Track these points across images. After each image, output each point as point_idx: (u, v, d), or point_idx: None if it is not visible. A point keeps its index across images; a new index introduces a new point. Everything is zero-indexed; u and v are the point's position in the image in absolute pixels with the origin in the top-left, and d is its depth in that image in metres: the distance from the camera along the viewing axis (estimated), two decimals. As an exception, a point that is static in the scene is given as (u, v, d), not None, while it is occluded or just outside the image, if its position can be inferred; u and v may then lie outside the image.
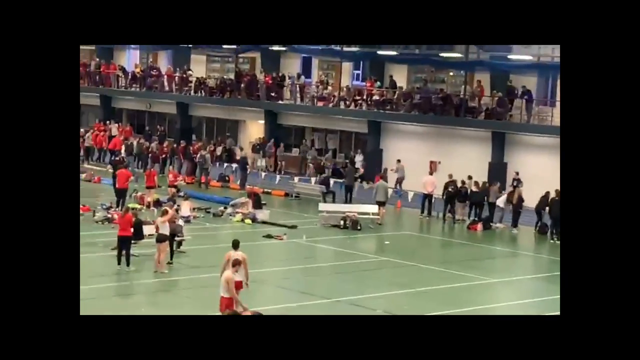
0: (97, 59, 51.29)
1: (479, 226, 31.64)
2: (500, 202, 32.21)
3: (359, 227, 30.16)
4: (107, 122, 48.01)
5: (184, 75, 47.18)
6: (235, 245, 17.84)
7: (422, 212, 33.96)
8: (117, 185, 31.32)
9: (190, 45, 46.65)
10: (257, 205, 31.62)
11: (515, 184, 33.28)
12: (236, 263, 16.52)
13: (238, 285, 16.81)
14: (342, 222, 30.28)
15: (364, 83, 42.63)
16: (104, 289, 20.50)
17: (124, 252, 21.96)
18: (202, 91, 46.71)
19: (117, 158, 39.01)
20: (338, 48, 41.25)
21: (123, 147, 43.24)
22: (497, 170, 36.13)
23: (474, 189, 32.76)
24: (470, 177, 33.20)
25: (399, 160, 38.13)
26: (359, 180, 38.28)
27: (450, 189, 32.89)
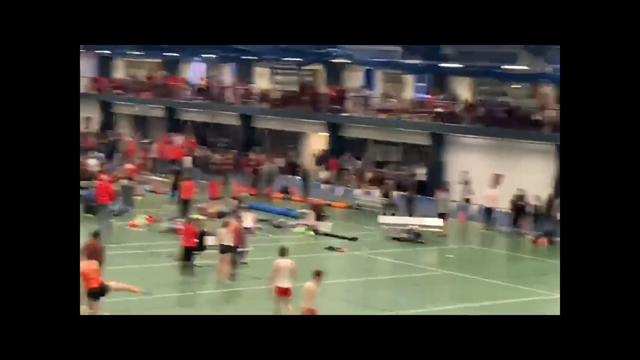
0: (163, 71, 52.03)
1: (544, 240, 31.23)
2: (565, 216, 31.75)
3: (420, 240, 30.00)
4: (172, 133, 48.62)
5: (248, 88, 47.57)
6: (283, 252, 18.05)
7: (486, 225, 33.64)
8: (181, 196, 31.68)
9: (255, 58, 47.10)
10: (319, 217, 31.70)
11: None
12: (318, 274, 16.69)
13: (286, 292, 17.53)
14: (403, 235, 30.16)
15: (426, 96, 42.48)
16: (167, 299, 20.73)
17: (187, 262, 22.18)
18: (266, 103, 47.05)
19: (178, 168, 39.46)
20: (401, 61, 41.19)
21: (187, 159, 43.69)
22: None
23: (538, 203, 32.39)
24: (538, 198, 32.58)
25: (465, 172, 37.84)
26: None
27: (519, 203, 32.59)
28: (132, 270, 22.84)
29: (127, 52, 52.85)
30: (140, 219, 30.23)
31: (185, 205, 31.32)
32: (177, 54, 50.36)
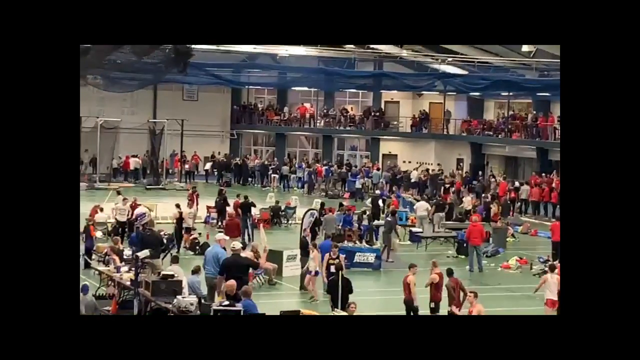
0: (534, 112, 51.67)
1: None
2: None
3: None
4: (544, 175, 47.97)
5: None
6: (552, 269, 19.07)
7: None
8: (552, 238, 31.10)
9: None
10: None
11: None
12: None
13: (554, 304, 17.59)
14: None
15: None
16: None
17: (561, 307, 21.76)
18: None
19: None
20: None
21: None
22: None
23: None
24: None
25: None
26: None
27: None
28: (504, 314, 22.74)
29: (499, 94, 53.23)
30: (513, 261, 30.12)
31: (555, 246, 30.62)
32: (549, 94, 49.76)
